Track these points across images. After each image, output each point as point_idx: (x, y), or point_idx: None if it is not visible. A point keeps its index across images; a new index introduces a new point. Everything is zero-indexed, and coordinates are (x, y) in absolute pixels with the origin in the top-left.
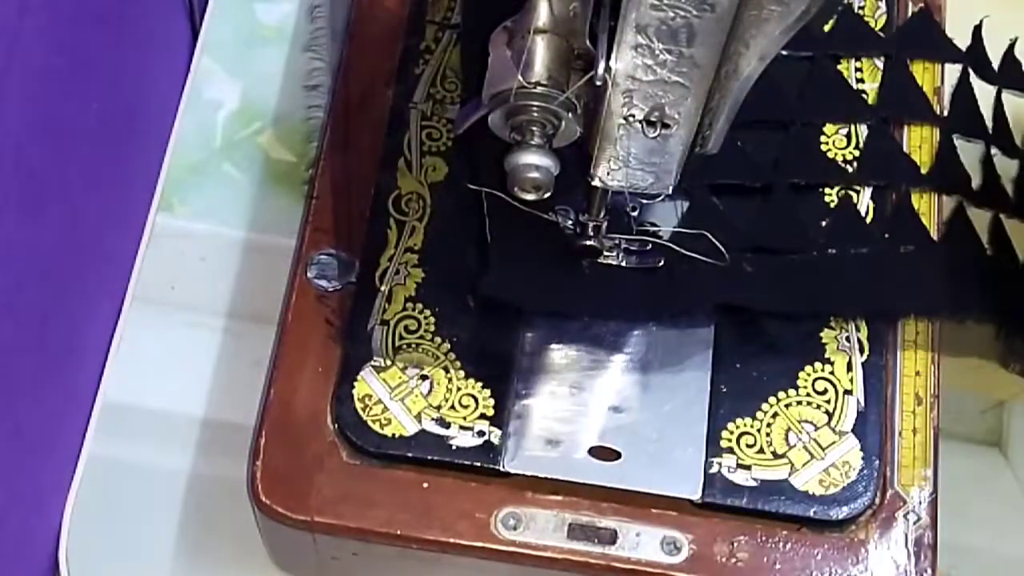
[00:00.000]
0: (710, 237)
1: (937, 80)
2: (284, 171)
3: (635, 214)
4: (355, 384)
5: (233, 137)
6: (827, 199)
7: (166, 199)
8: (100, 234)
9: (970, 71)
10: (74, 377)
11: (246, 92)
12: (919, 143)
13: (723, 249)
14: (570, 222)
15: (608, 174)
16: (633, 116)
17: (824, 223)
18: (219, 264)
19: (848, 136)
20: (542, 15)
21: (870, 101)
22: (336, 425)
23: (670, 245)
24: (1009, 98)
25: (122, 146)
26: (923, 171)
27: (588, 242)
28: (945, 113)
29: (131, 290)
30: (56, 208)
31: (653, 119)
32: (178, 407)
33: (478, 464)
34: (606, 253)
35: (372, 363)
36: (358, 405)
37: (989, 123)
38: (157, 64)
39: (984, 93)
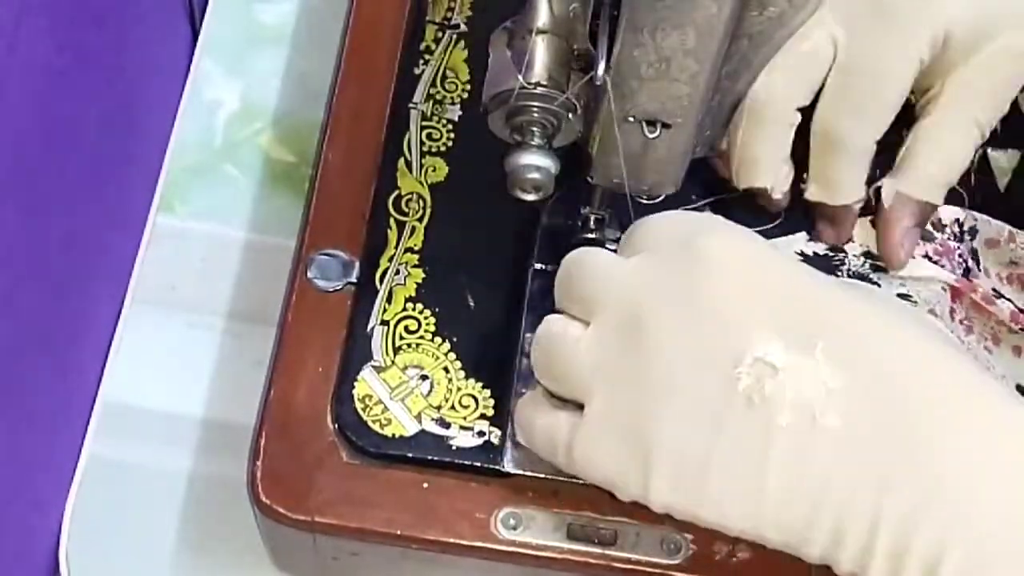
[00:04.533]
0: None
1: None
2: (284, 171)
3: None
4: (355, 384)
5: (233, 137)
6: None
7: (166, 199)
8: (100, 234)
9: None
10: (74, 377)
11: (246, 92)
12: None
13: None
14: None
15: (608, 174)
16: (633, 116)
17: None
18: (219, 264)
19: None
20: (542, 15)
21: None
22: (336, 425)
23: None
24: None
25: (122, 146)
26: None
27: (590, 235)
28: None
29: (131, 290)
30: (56, 208)
31: (653, 119)
32: (178, 407)
33: (478, 464)
34: (608, 247)
35: (372, 363)
36: (358, 405)
37: None
38: (157, 64)
39: None
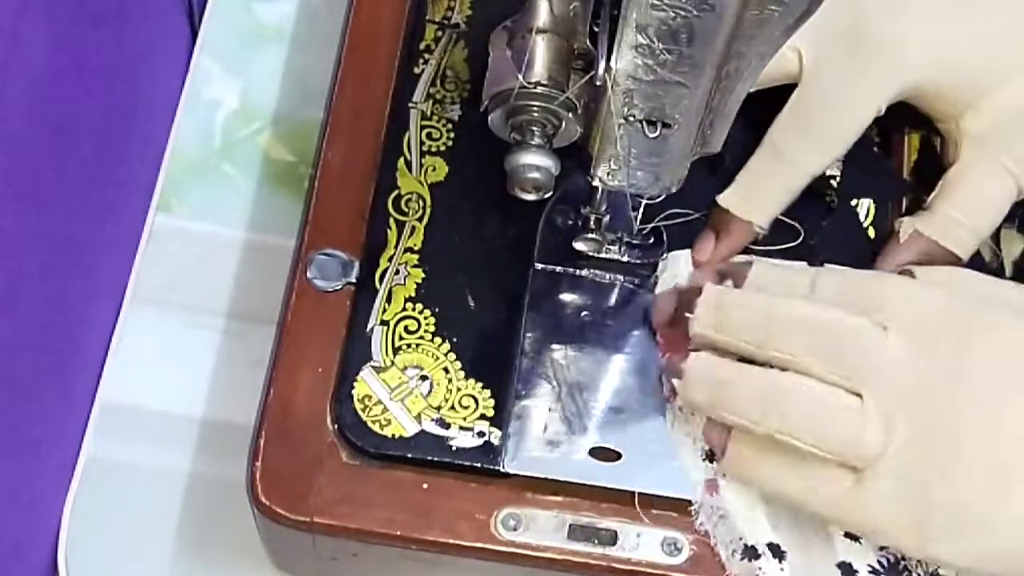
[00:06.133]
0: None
1: None
2: (284, 171)
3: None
4: (355, 384)
5: (232, 137)
6: (828, 199)
7: (165, 199)
8: (99, 234)
9: None
10: (74, 377)
11: (246, 92)
12: None
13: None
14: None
15: (608, 174)
16: (633, 116)
17: (824, 223)
18: (219, 264)
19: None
20: (542, 15)
21: None
22: (336, 425)
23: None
24: None
25: (121, 146)
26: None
27: (590, 235)
28: None
29: (131, 290)
30: (55, 208)
31: (653, 119)
32: (178, 407)
33: (478, 465)
34: (608, 247)
35: (372, 363)
36: (358, 405)
37: None
38: (157, 64)
39: None
